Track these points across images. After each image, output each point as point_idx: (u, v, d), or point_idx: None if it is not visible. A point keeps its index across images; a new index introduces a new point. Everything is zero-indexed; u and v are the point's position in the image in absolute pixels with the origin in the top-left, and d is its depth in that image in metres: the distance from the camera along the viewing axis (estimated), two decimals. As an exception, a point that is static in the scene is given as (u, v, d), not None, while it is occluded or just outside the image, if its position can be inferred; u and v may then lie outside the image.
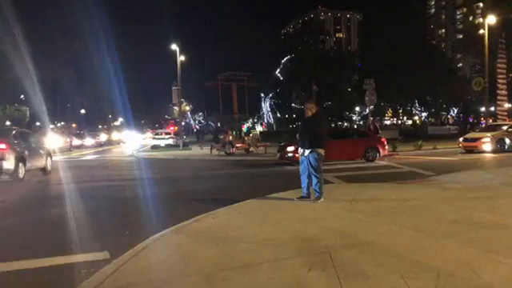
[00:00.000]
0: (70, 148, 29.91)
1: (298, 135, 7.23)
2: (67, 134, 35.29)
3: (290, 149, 14.74)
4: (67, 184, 10.76)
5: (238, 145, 21.71)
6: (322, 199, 6.86)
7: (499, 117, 26.25)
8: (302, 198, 7.06)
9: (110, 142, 44.89)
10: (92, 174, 14.12)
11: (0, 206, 7.89)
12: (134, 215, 6.83)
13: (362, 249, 4.20)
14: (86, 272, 3.90)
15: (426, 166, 12.54)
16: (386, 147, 15.84)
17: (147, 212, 7.13)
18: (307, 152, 6.85)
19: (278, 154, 15.56)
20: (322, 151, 6.89)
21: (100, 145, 39.06)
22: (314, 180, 6.88)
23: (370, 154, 15.00)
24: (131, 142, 42.00)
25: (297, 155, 14.13)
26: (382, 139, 15.98)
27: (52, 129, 31.27)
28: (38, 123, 58.09)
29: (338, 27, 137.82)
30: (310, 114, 7.13)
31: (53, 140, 24.28)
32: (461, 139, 18.85)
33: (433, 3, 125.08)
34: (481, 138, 17.83)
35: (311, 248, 4.28)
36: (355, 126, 52.98)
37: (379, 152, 15.13)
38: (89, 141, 38.27)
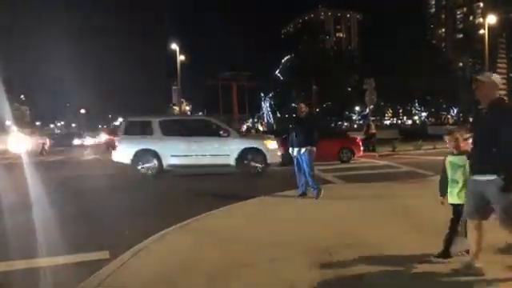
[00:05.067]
0: (43, 151, 24.95)
1: (293, 135, 7.32)
2: (39, 136, 27.78)
3: None
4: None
5: None
6: (321, 192, 7.14)
7: (499, 116, 26.22)
8: (301, 195, 7.19)
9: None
10: (88, 173, 14.11)
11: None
12: (133, 215, 6.83)
13: (362, 249, 4.20)
14: (86, 272, 3.90)
15: (425, 165, 12.52)
16: (361, 148, 15.63)
17: (147, 212, 7.13)
18: (303, 150, 7.07)
19: None
20: (315, 149, 7.32)
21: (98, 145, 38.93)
22: (309, 177, 7.10)
23: (344, 155, 14.84)
24: None
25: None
26: (357, 140, 15.84)
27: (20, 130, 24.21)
28: (38, 123, 58.02)
29: (338, 27, 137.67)
30: (303, 114, 7.41)
31: (20, 142, 21.41)
32: None
33: (433, 3, 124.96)
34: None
35: (311, 248, 4.28)
36: (355, 126, 52.97)
37: (354, 153, 15.00)
38: (88, 141, 38.30)
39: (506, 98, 27.22)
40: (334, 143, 15.05)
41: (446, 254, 3.70)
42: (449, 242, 3.71)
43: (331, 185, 9.28)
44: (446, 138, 3.83)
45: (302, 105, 7.65)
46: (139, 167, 11.30)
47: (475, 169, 3.34)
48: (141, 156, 11.26)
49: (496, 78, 3.43)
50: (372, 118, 25.35)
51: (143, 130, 11.69)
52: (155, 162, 11.28)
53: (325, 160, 14.46)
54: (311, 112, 8.27)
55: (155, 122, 11.68)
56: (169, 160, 11.34)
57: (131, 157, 11.20)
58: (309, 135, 7.17)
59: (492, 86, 3.35)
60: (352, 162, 14.88)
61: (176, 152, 11.40)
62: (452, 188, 3.71)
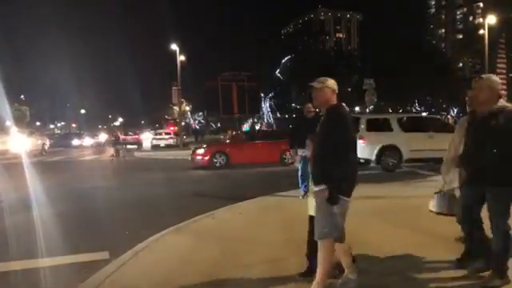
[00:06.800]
0: (43, 152, 24.82)
1: (301, 136, 7.25)
2: (39, 136, 27.76)
3: (200, 152, 14.54)
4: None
5: None
6: None
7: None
8: (304, 196, 7.21)
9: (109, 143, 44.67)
10: (90, 174, 14.12)
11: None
12: (133, 216, 6.84)
13: (361, 248, 4.20)
14: (86, 272, 3.91)
15: (426, 165, 12.55)
16: None
17: (147, 212, 7.14)
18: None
19: (190, 158, 14.92)
20: None
21: (97, 145, 38.86)
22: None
23: (286, 158, 13.84)
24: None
25: (206, 159, 14.09)
26: None
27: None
28: (38, 123, 57.93)
29: (338, 27, 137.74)
30: (311, 114, 7.31)
31: (21, 142, 21.23)
32: None
33: (433, 3, 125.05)
34: None
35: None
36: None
37: None
38: (87, 141, 38.28)
39: (505, 98, 27.46)
40: (274, 146, 14.37)
41: (309, 272, 3.36)
42: (313, 258, 3.24)
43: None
44: (308, 142, 3.53)
45: (310, 105, 7.52)
46: (384, 162, 11.78)
47: (313, 179, 3.14)
48: (384, 152, 11.76)
49: (331, 83, 3.14)
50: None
51: (383, 127, 12.16)
52: (397, 156, 11.77)
53: (265, 163, 13.90)
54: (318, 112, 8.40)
55: (394, 119, 12.28)
56: (408, 154, 11.84)
57: (376, 152, 11.71)
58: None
59: (326, 92, 3.10)
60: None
61: (414, 147, 11.80)
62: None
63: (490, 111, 3.11)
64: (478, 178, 3.19)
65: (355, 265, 3.19)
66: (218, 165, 13.98)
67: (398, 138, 11.85)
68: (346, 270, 3.18)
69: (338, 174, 2.91)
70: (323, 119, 3.15)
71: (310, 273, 3.33)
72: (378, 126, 12.18)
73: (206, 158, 14.07)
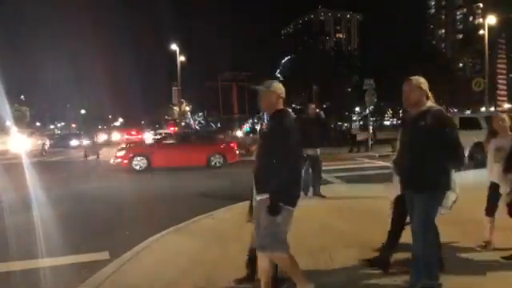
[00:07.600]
0: (43, 152, 24.68)
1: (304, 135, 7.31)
2: (39, 136, 27.63)
3: (120, 154, 13.80)
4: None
5: None
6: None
7: (499, 117, 26.24)
8: (316, 195, 7.30)
9: (109, 143, 44.54)
10: (87, 175, 14.11)
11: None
12: (133, 216, 6.84)
13: (362, 248, 4.21)
14: (87, 272, 3.91)
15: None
16: (236, 153, 14.66)
17: (147, 213, 7.14)
18: (318, 151, 7.18)
19: (112, 159, 14.38)
20: None
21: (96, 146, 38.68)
22: (319, 179, 7.21)
23: (214, 161, 13.96)
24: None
25: (125, 161, 13.39)
26: (231, 144, 14.93)
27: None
28: (38, 123, 57.90)
29: (338, 27, 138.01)
30: (314, 113, 7.44)
31: (21, 143, 21.23)
32: None
33: (433, 3, 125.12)
34: None
35: (311, 247, 4.29)
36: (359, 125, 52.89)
37: (226, 158, 14.08)
38: (86, 142, 38.20)
39: (505, 98, 27.32)
40: (201, 149, 14.17)
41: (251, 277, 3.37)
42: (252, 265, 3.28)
43: (331, 185, 9.29)
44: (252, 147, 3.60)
45: (313, 105, 7.72)
46: (476, 158, 11.98)
47: (256, 187, 3.00)
48: (475, 148, 12.05)
49: (276, 87, 3.04)
50: (372, 119, 25.34)
51: (474, 125, 12.71)
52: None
53: (191, 166, 13.67)
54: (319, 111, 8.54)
55: (482, 117, 13.12)
56: None
57: (469, 149, 12.06)
58: (323, 134, 7.36)
59: (271, 96, 3.01)
60: (353, 162, 14.84)
61: None
62: None
63: (419, 112, 3.07)
64: (406, 181, 3.11)
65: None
66: (138, 168, 13.26)
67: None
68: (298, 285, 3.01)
69: (279, 183, 2.76)
70: (267, 124, 3.05)
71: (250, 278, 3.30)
72: (469, 124, 12.65)
73: (125, 160, 13.39)
